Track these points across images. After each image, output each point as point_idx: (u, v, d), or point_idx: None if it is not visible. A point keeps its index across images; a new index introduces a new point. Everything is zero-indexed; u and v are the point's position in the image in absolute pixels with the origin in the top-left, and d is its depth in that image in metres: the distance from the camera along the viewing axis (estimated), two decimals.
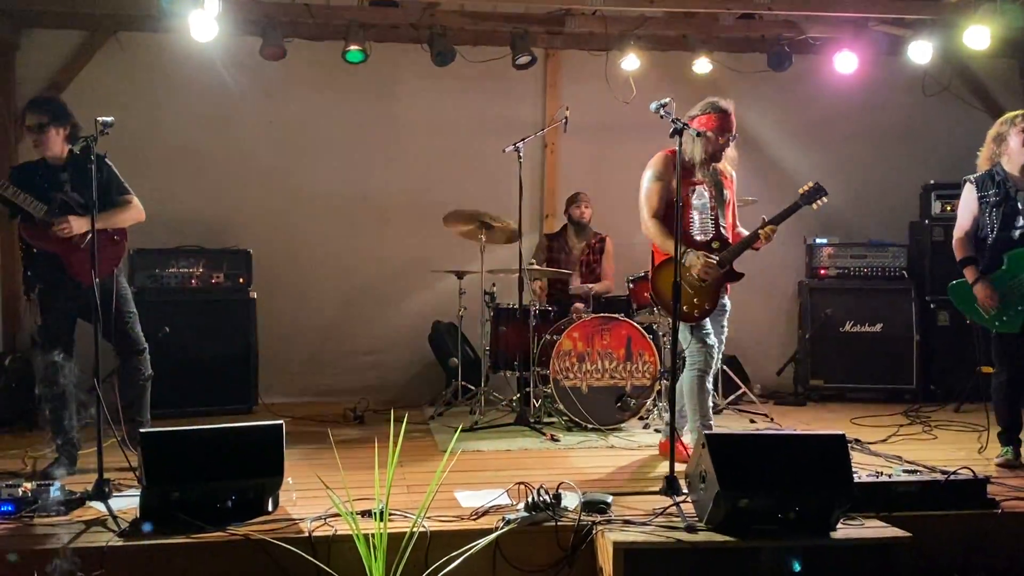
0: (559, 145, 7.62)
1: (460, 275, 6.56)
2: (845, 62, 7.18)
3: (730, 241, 4.88)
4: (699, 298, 4.77)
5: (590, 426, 5.83)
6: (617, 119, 7.45)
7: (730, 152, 4.93)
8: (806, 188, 4.79)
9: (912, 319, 7.25)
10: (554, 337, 6.05)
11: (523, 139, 6.06)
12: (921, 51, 7.00)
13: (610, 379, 5.97)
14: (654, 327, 6.27)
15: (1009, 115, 5.13)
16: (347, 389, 7.14)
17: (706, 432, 3.85)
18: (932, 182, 7.41)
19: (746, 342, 7.61)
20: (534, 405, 6.23)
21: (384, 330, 7.40)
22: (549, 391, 5.95)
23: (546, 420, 6.12)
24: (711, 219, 4.85)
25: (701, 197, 4.85)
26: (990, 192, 5.05)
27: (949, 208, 7.26)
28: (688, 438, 5.02)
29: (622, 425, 5.94)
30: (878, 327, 7.28)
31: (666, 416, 5.20)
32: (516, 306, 6.18)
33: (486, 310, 6.51)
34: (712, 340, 4.85)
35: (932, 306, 7.29)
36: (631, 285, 6.28)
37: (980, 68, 7.85)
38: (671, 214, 4.61)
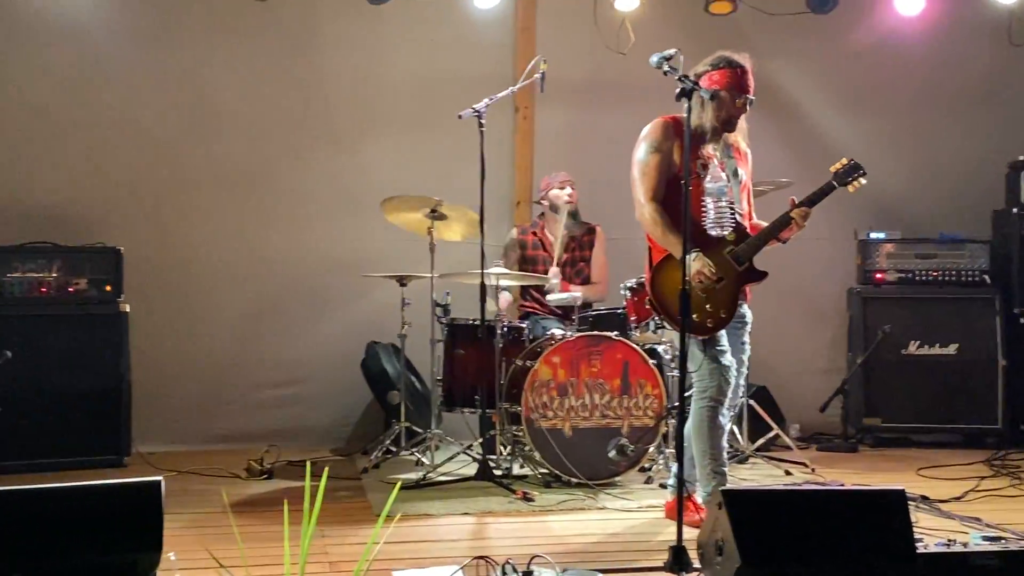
0: (534, 109, 7.64)
1: (403, 281, 6.55)
2: (908, 1, 7.26)
3: (748, 231, 4.94)
4: (712, 303, 4.86)
5: (575, 481, 5.83)
6: (610, 75, 7.49)
7: (743, 122, 5.05)
8: (839, 166, 4.97)
9: (997, 338, 7.35)
10: (528, 363, 6.05)
11: (486, 101, 6.07)
12: None
13: (601, 418, 5.98)
14: (659, 349, 6.29)
15: None
16: (251, 434, 7.12)
17: (723, 489, 3.87)
18: (1022, 158, 7.52)
19: (780, 369, 7.65)
20: (501, 453, 6.21)
21: (301, 355, 7.39)
22: (521, 435, 5.95)
23: (517, 473, 6.12)
24: (727, 205, 4.92)
25: (716, 178, 4.91)
26: None
27: None
28: (701, 495, 5.05)
29: (617, 479, 5.94)
30: (952, 349, 7.36)
31: (675, 467, 5.22)
32: (477, 322, 6.18)
33: (437, 327, 6.51)
34: (728, 359, 4.92)
35: (1023, 321, 7.38)
36: (628, 294, 6.30)
37: None
38: (676, 199, 4.66)
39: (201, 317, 7.27)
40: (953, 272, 7.51)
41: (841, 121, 7.90)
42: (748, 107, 4.97)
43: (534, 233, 7.08)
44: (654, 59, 4.40)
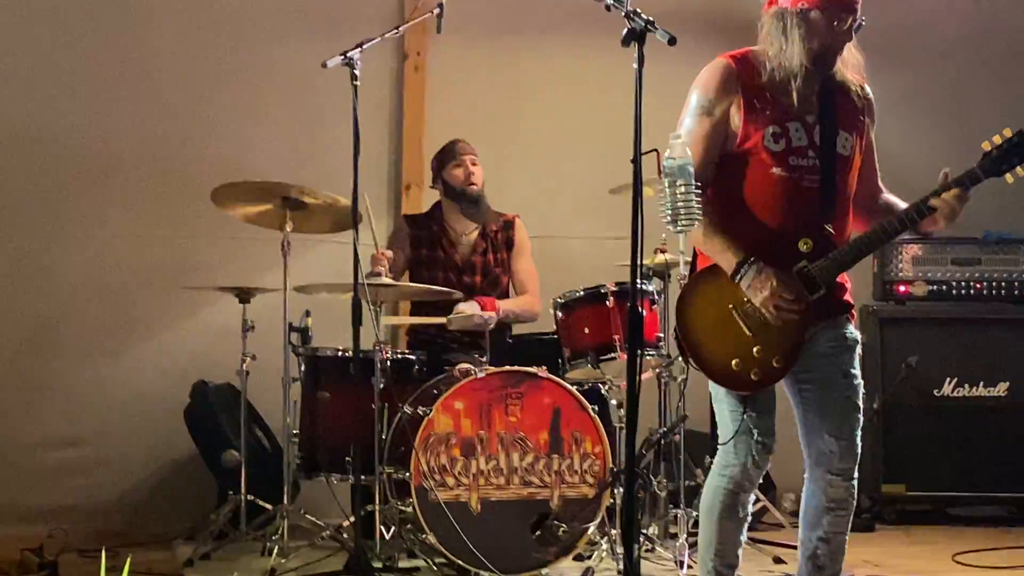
0: (430, 56, 7.70)
1: (245, 296, 6.54)
2: None
3: (834, 239, 4.50)
4: (763, 346, 4.61)
5: (485, 575, 5.86)
6: (535, 8, 7.54)
7: (853, 55, 4.65)
8: (1002, 143, 4.51)
9: None
10: (420, 411, 6.05)
11: (362, 45, 6.07)
12: None
13: (522, 487, 6.00)
14: (602, 389, 6.33)
15: None
16: (25, 512, 7.05)
17: None
18: None
19: None
20: (383, 537, 6.21)
21: (96, 400, 7.35)
22: (410, 510, 5.96)
23: (405, 566, 6.12)
24: (804, 193, 4.51)
25: (797, 153, 4.49)
26: None
27: None
28: None
29: (544, 571, 5.97)
30: (1002, 390, 7.52)
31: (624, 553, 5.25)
32: (349, 352, 6.17)
33: (293, 361, 6.50)
34: (765, 429, 4.62)
35: None
36: (560, 315, 6.34)
37: None
38: (733, 183, 4.50)
39: None
40: (1003, 284, 7.67)
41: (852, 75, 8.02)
42: (848, 36, 4.56)
43: (430, 225, 7.09)
44: None
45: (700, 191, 4.18)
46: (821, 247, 4.40)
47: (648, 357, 6.38)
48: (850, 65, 4.63)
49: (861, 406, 4.55)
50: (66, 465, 7.30)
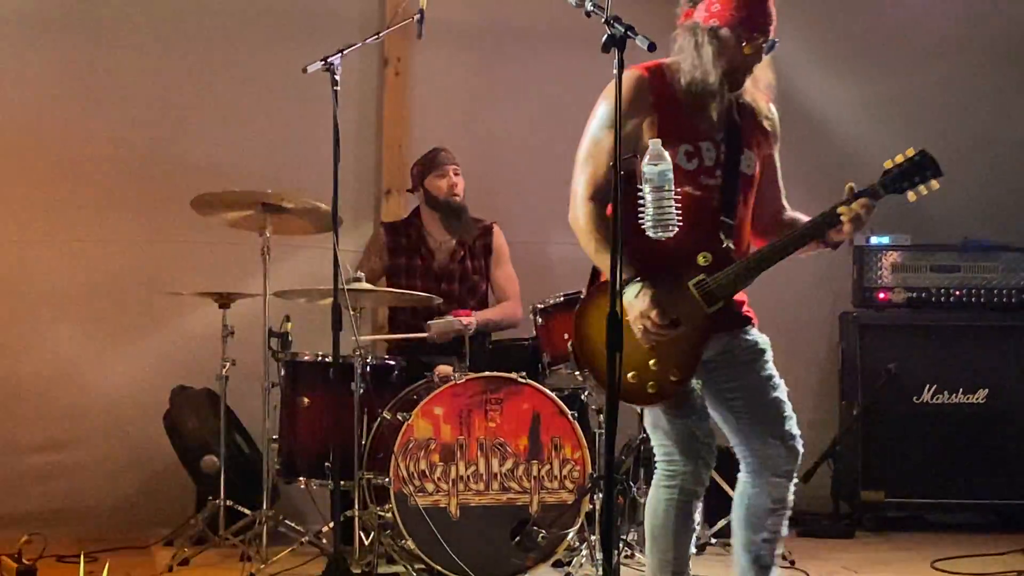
0: (411, 62, 7.70)
1: (225, 301, 6.53)
2: None
3: (733, 254, 4.57)
4: (660, 360, 4.62)
5: None
6: (514, 15, 7.54)
7: (764, 74, 4.64)
8: (903, 160, 4.52)
9: None
10: (400, 416, 6.05)
11: (342, 50, 6.07)
12: None
13: (501, 493, 6.00)
14: (582, 396, 6.34)
15: None
16: (5, 517, 6.99)
17: None
18: None
19: None
20: (362, 542, 6.21)
21: (75, 405, 7.34)
22: (389, 516, 5.96)
23: (384, 570, 6.13)
24: (708, 210, 4.53)
25: (706, 172, 4.50)
26: None
27: None
28: None
29: None
30: (980, 396, 7.54)
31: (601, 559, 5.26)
32: (328, 358, 6.17)
33: (273, 366, 6.50)
34: (705, 431, 4.65)
35: None
36: (540, 320, 6.34)
37: None
38: (638, 197, 4.53)
39: None
40: (982, 291, 7.69)
41: (829, 80, 8.06)
42: (765, 52, 4.54)
43: (410, 233, 7.09)
44: None
45: (678, 197, 4.21)
46: (720, 262, 4.44)
47: None
48: (761, 85, 4.62)
49: (788, 403, 4.60)
50: (45, 470, 7.30)
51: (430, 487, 5.94)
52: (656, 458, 4.69)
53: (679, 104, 4.46)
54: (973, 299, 7.66)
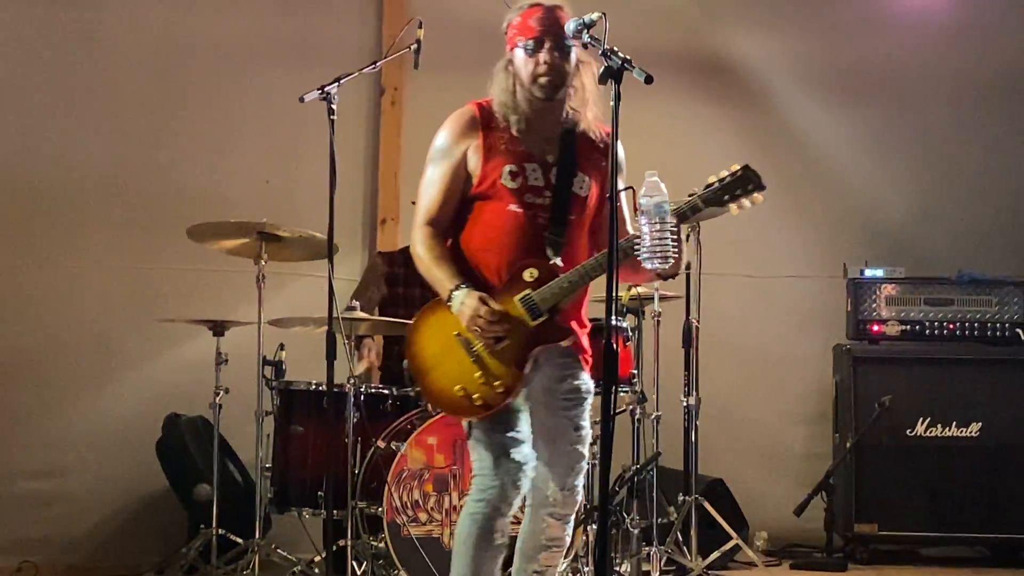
0: (407, 91, 7.72)
1: (220, 329, 6.53)
2: None
3: (559, 271, 4.60)
4: (485, 372, 4.61)
5: None
6: None
7: (586, 84, 4.67)
8: (726, 174, 4.53)
9: None
10: (393, 446, 6.04)
11: (340, 79, 6.08)
12: None
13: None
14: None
15: None
16: None
17: None
18: None
19: (741, 457, 7.75)
20: (354, 572, 6.18)
21: (69, 432, 7.33)
22: (382, 546, 5.94)
23: None
24: (537, 228, 4.63)
25: (532, 191, 4.61)
26: None
27: None
28: None
29: None
30: (974, 430, 7.52)
31: None
32: (323, 386, 6.16)
33: (267, 394, 6.48)
34: (523, 454, 4.65)
35: None
36: None
37: None
38: (481, 221, 4.59)
39: None
40: (976, 324, 7.69)
41: (826, 117, 8.08)
42: (547, 58, 4.57)
43: (406, 267, 7.08)
44: (571, 25, 4.41)
45: (676, 229, 4.25)
46: (545, 277, 4.53)
47: (622, 394, 6.40)
48: (593, 114, 4.70)
49: (587, 455, 4.68)
50: (37, 497, 7.28)
51: (423, 517, 5.93)
52: (473, 472, 4.75)
53: (505, 131, 4.61)
54: (967, 332, 7.67)
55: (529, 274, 4.53)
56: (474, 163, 4.62)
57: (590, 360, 4.74)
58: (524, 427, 4.65)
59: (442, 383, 4.60)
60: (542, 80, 4.58)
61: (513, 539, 4.75)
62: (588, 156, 4.68)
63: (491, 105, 4.64)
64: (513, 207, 4.58)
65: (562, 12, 4.58)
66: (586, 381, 4.70)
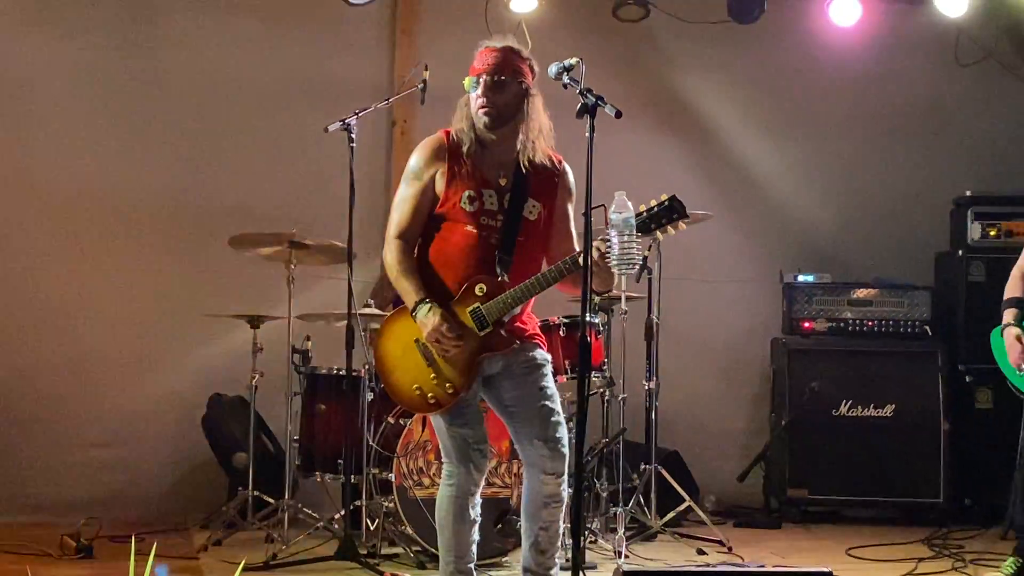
0: (415, 123, 7.69)
1: (256, 322, 6.52)
2: (843, 11, 7.46)
3: (507, 286, 4.52)
4: (438, 375, 4.58)
5: None
6: None
7: (535, 116, 4.59)
8: (654, 204, 4.40)
9: (939, 399, 7.53)
10: (402, 421, 6.04)
11: (357, 112, 6.08)
12: None
13: (486, 487, 5.93)
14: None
15: None
16: (67, 502, 7.00)
17: (625, 570, 3.90)
18: (969, 194, 7.71)
19: (693, 432, 7.75)
20: (368, 528, 6.19)
21: (128, 409, 7.33)
22: (392, 505, 5.93)
23: (386, 552, 6.10)
24: (489, 248, 4.57)
25: (487, 215, 4.57)
26: None
27: (994, 232, 7.56)
28: None
29: (504, 559, 5.95)
30: (889, 411, 7.53)
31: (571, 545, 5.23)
32: (342, 371, 6.15)
33: (295, 378, 6.47)
34: (477, 439, 4.63)
35: (968, 379, 7.56)
36: None
37: None
38: (442, 237, 4.57)
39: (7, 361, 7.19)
40: (891, 322, 7.71)
41: (766, 146, 8.10)
42: (484, 93, 4.54)
43: None
44: (553, 69, 4.41)
45: (640, 241, 4.23)
46: (493, 292, 4.49)
47: (594, 379, 6.41)
48: (544, 143, 4.65)
49: (560, 412, 4.60)
50: (101, 463, 7.28)
51: (427, 482, 5.92)
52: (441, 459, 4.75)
53: (467, 159, 4.56)
54: (883, 329, 7.68)
55: (479, 289, 4.50)
56: (440, 186, 4.57)
57: (541, 340, 4.68)
58: (477, 413, 4.64)
59: (402, 382, 4.60)
60: (480, 113, 4.54)
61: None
62: (539, 183, 4.62)
63: (450, 134, 4.60)
64: (469, 228, 4.54)
65: (510, 52, 4.58)
66: (540, 354, 4.63)
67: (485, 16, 7.48)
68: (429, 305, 4.45)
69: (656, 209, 4.36)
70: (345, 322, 6.06)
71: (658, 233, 4.39)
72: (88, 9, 7.16)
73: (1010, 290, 5.81)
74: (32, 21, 7.20)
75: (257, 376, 6.51)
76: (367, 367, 6.23)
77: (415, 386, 4.56)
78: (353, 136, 6.03)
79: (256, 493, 6.52)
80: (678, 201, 4.37)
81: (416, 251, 4.66)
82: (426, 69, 6.23)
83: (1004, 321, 5.77)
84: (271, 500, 6.51)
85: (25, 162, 7.25)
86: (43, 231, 7.30)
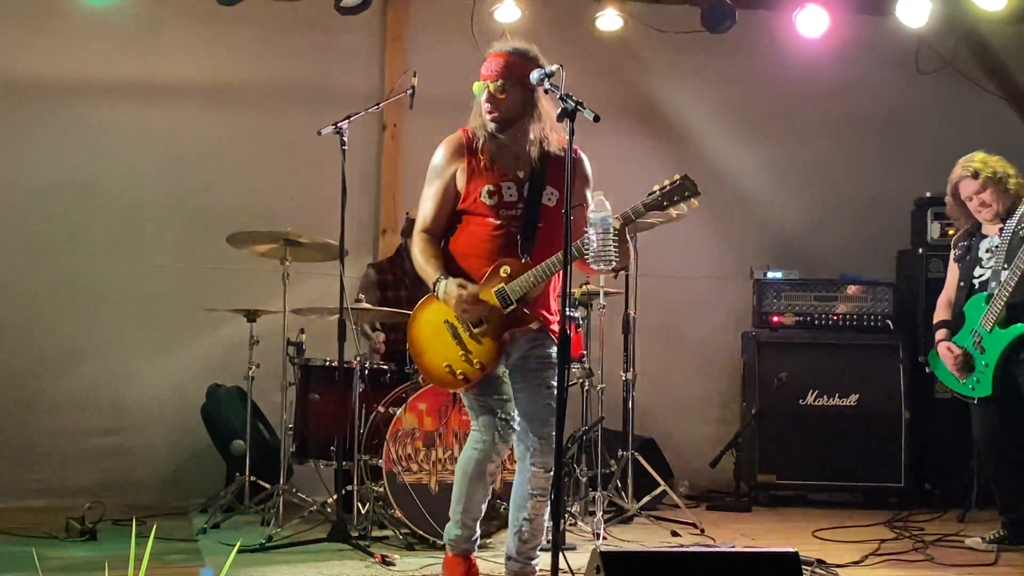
0: (404, 127, 7.71)
1: (252, 316, 6.52)
2: (810, 22, 7.47)
3: (530, 266, 4.60)
4: (466, 353, 4.64)
5: (441, 542, 5.81)
6: None
7: (546, 111, 4.68)
8: (667, 183, 4.55)
9: (900, 389, 7.58)
10: (391, 410, 6.04)
11: (349, 117, 6.08)
12: (915, 10, 7.38)
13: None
14: None
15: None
16: (71, 487, 7.00)
17: (601, 551, 3.89)
18: (928, 195, 7.70)
19: (668, 420, 7.79)
20: (359, 511, 6.18)
21: (131, 398, 7.33)
22: (382, 490, 5.93)
23: (377, 534, 6.08)
24: (511, 235, 4.64)
25: (507, 206, 4.64)
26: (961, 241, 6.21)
27: (952, 232, 7.57)
28: (445, 538, 4.97)
29: (488, 541, 5.92)
30: (852, 400, 7.57)
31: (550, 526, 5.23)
32: (335, 363, 6.15)
33: (290, 369, 6.47)
34: (506, 413, 4.69)
35: (928, 370, 7.55)
36: None
37: (995, 37, 8.33)
38: (466, 230, 4.65)
39: (5, 353, 7.18)
40: (854, 316, 7.74)
41: (737, 149, 8.13)
42: (489, 98, 4.62)
43: (394, 270, 7.10)
44: (535, 76, 4.43)
45: (617, 238, 4.26)
46: (517, 273, 4.57)
47: (574, 369, 6.42)
48: (557, 135, 4.71)
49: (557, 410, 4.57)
50: (104, 450, 7.29)
51: (415, 467, 5.93)
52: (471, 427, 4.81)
53: (485, 155, 4.65)
54: (848, 323, 7.72)
55: (504, 270, 4.56)
56: (461, 183, 4.64)
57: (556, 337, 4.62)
58: (507, 390, 4.68)
59: (433, 362, 4.65)
60: (486, 117, 4.62)
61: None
62: (555, 171, 4.64)
63: (473, 132, 4.67)
64: (491, 220, 4.60)
65: (512, 57, 4.62)
66: (554, 352, 4.65)
67: (471, 25, 7.48)
68: (446, 280, 4.53)
69: (669, 188, 4.50)
70: (337, 316, 6.07)
71: (672, 211, 4.54)
72: (93, 24, 7.14)
73: (938, 315, 6.22)
74: (41, 28, 7.21)
75: (254, 367, 6.54)
76: (358, 358, 6.23)
77: (445, 364, 4.62)
78: (345, 139, 6.03)
79: (253, 479, 6.55)
80: (690, 180, 4.50)
81: (443, 245, 4.73)
82: (415, 75, 6.24)
83: (937, 339, 6.20)
84: (267, 485, 6.52)
85: (25, 157, 7.23)
86: (49, 228, 7.29)
